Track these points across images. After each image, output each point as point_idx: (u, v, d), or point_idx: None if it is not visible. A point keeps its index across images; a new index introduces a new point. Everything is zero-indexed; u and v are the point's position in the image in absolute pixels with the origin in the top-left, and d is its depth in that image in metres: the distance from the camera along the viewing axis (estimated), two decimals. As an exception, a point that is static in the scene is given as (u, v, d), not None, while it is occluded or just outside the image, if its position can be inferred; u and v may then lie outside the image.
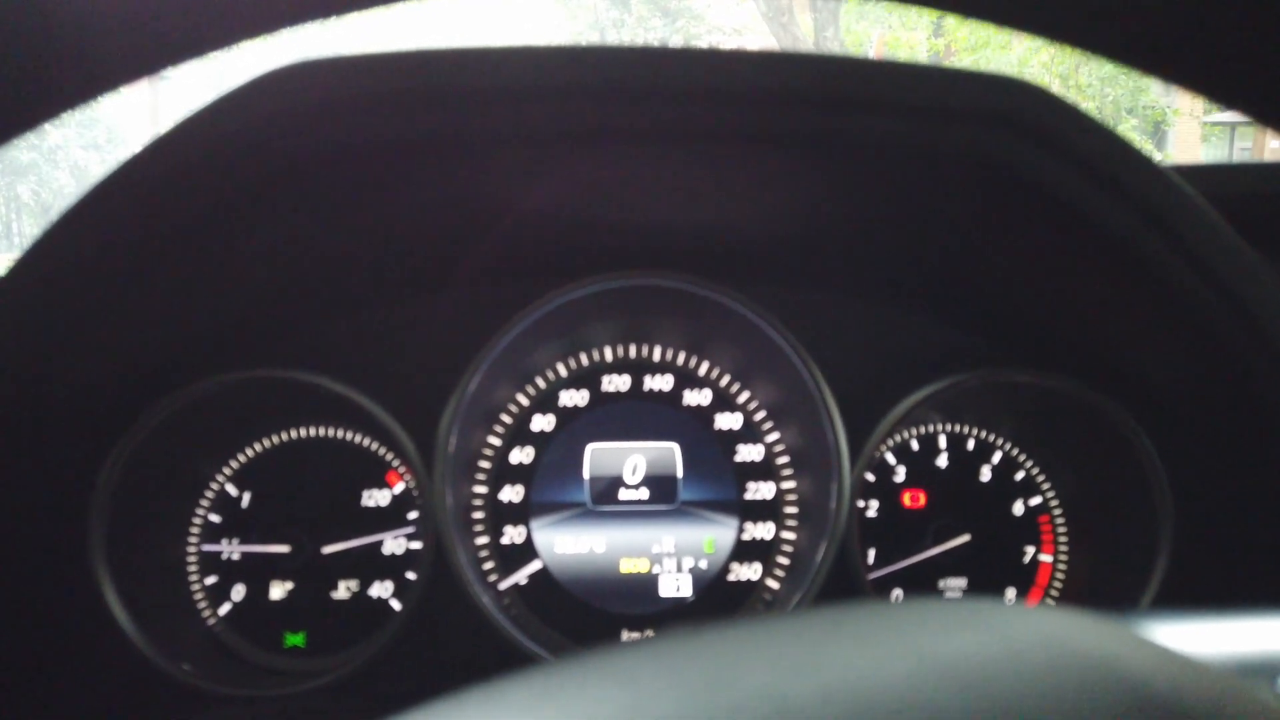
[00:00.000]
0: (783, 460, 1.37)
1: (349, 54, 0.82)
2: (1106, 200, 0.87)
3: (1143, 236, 0.89)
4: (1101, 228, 0.87)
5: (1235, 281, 0.89)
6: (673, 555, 1.36)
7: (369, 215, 1.03)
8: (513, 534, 1.35)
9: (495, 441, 1.35)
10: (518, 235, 1.13)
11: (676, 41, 19.03)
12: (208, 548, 1.30)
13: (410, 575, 1.31)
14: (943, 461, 1.37)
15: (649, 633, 1.34)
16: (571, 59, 0.77)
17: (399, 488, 1.33)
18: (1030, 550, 1.36)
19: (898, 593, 1.35)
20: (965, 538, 1.33)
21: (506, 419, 1.35)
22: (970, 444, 1.38)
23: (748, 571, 1.36)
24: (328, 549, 1.30)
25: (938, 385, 1.24)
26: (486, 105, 0.78)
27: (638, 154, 0.91)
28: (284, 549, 1.29)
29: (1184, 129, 15.93)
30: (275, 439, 1.32)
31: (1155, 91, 14.50)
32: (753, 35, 17.92)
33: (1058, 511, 1.36)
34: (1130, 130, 13.52)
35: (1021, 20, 0.50)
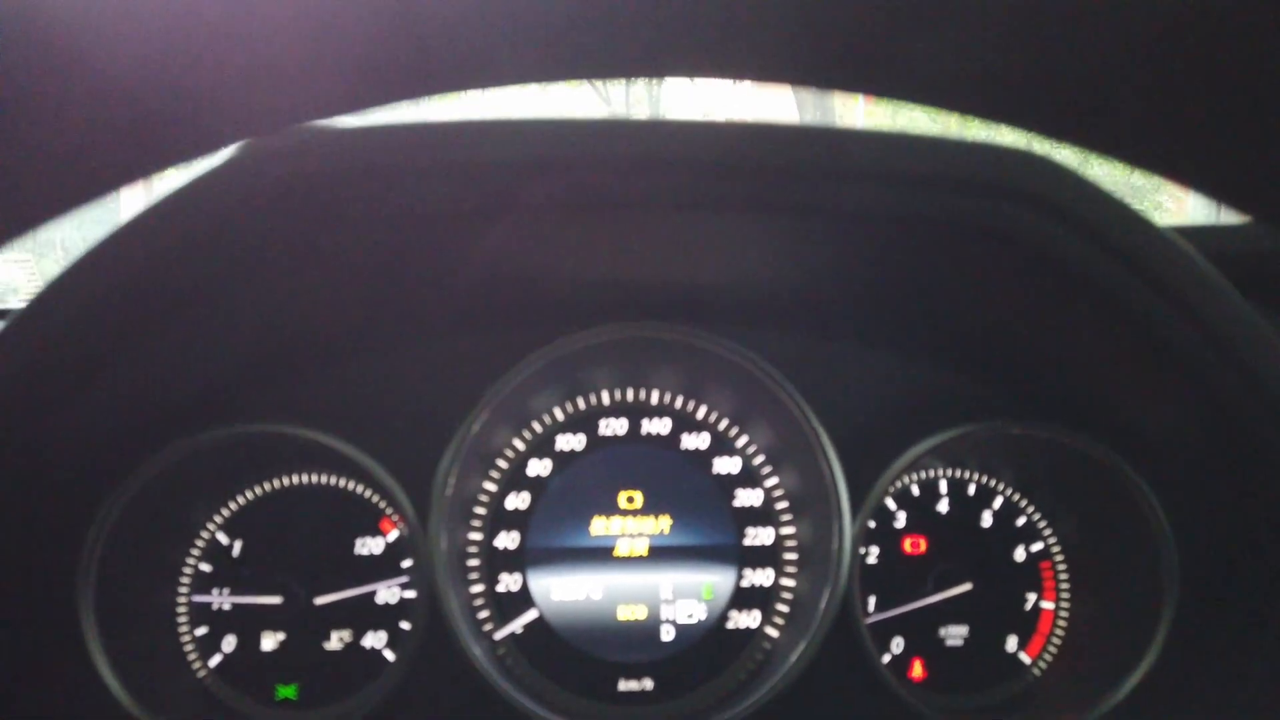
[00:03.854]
0: (782, 505, 1.36)
1: (341, 126, 0.81)
2: (1108, 265, 0.87)
3: (1144, 296, 0.89)
4: (1104, 291, 0.87)
5: (1236, 339, 0.89)
6: (670, 602, 1.34)
7: (364, 276, 1.02)
8: (508, 581, 1.33)
9: (491, 487, 1.33)
10: (515, 287, 1.12)
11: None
12: (198, 598, 1.28)
13: (404, 625, 1.29)
14: (944, 507, 1.36)
15: (646, 681, 1.33)
16: (568, 133, 0.76)
17: (393, 535, 1.31)
18: (1032, 598, 1.35)
19: (898, 640, 1.34)
20: (967, 586, 1.32)
21: (503, 464, 1.34)
22: (971, 489, 1.36)
23: (746, 619, 1.34)
24: (320, 599, 1.28)
25: (944, 436, 1.23)
26: (482, 178, 0.77)
27: (636, 218, 0.91)
28: (275, 599, 1.27)
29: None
30: (267, 486, 1.30)
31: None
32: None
33: (1059, 558, 1.35)
34: (1119, 166, 13.55)
35: (1014, 116, 0.49)
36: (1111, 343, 1.02)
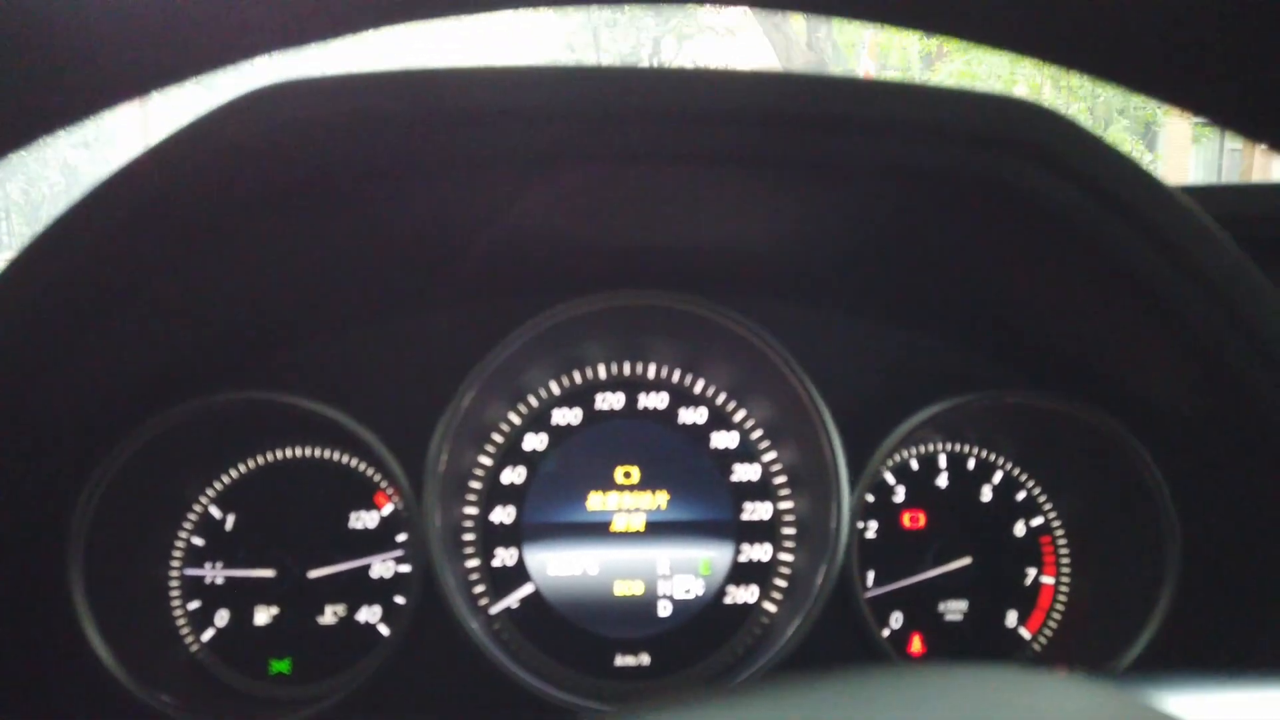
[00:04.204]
0: (780, 480, 1.35)
1: (333, 74, 0.79)
2: (1114, 223, 0.85)
3: (1151, 259, 0.87)
4: (1108, 250, 0.85)
5: (1243, 304, 0.87)
6: (668, 577, 1.33)
7: (354, 234, 1.00)
8: (504, 556, 1.32)
9: (486, 461, 1.32)
10: (508, 253, 1.10)
11: (669, 41, 19.00)
12: (190, 572, 1.27)
13: (399, 599, 1.29)
14: (943, 481, 1.35)
15: (642, 656, 1.32)
16: (563, 80, 0.74)
17: (387, 509, 1.30)
18: (1032, 572, 1.34)
19: (897, 615, 1.33)
20: (966, 560, 1.31)
21: (498, 438, 1.33)
22: (971, 464, 1.35)
23: (744, 594, 1.33)
24: (314, 573, 1.27)
25: (941, 406, 1.21)
26: (475, 126, 0.75)
27: (631, 174, 0.89)
28: (269, 573, 1.26)
29: (1174, 129, 15.96)
30: (260, 460, 1.29)
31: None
32: (745, 35, 17.91)
33: (1060, 532, 1.34)
34: (1121, 130, 13.54)
35: (1008, 40, 0.48)
36: (1113, 307, 1.00)
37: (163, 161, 0.77)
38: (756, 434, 1.35)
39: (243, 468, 1.29)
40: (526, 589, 1.30)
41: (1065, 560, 1.34)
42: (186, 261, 0.91)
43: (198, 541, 1.28)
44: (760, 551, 1.34)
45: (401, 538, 1.29)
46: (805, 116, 0.76)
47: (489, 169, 0.83)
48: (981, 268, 1.09)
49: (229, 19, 0.43)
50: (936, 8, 0.45)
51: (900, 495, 1.34)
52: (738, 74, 0.76)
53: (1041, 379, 1.23)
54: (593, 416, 1.34)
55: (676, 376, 1.35)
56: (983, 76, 13.01)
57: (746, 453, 1.35)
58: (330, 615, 1.27)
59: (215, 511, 1.28)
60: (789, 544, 1.33)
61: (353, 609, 1.28)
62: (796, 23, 14.74)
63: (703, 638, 1.32)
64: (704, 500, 1.34)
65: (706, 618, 1.32)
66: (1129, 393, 1.15)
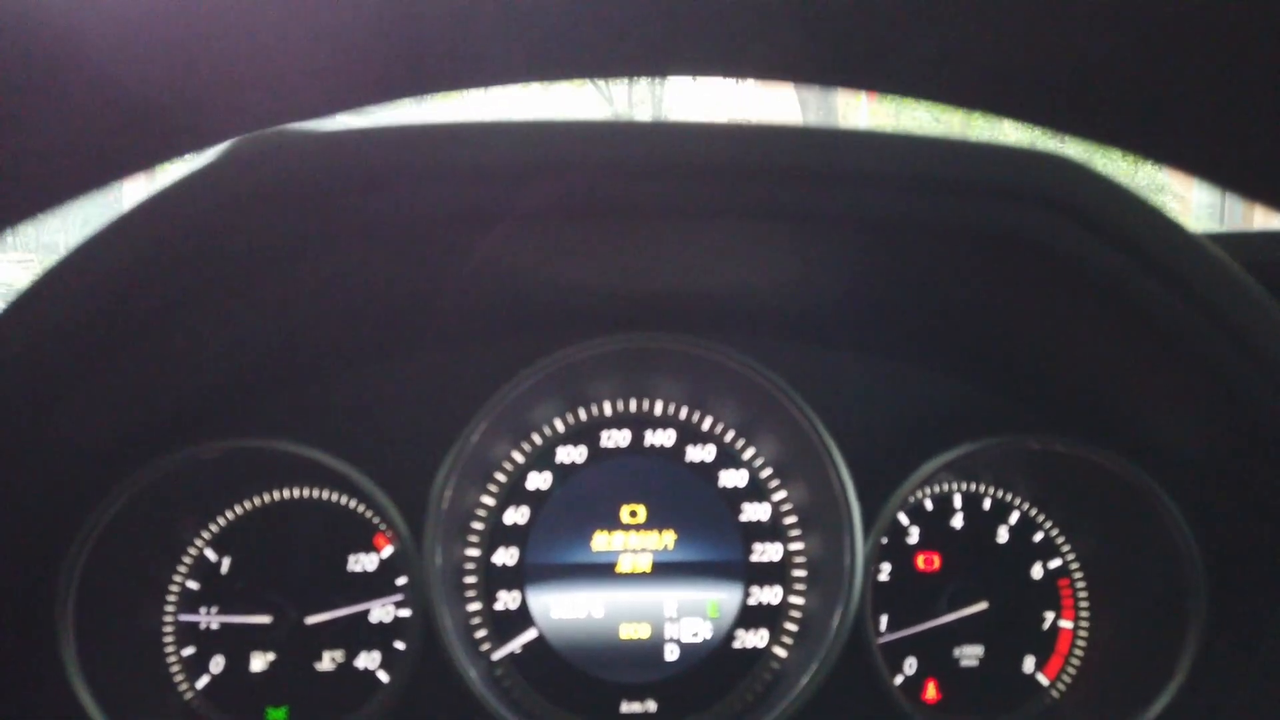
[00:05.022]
0: (790, 520, 1.31)
1: (333, 128, 0.76)
2: (1138, 270, 0.82)
3: (1174, 305, 0.84)
4: (1140, 303, 0.82)
5: (1270, 349, 0.84)
6: (675, 620, 1.30)
7: (356, 285, 0.98)
8: (507, 599, 1.28)
9: (489, 501, 1.29)
10: (512, 296, 1.08)
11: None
12: (185, 617, 1.23)
13: (399, 645, 1.25)
14: (958, 522, 1.31)
15: (649, 702, 1.28)
16: (570, 135, 0.71)
17: (387, 551, 1.27)
18: (1050, 616, 1.30)
19: (910, 661, 1.29)
20: (982, 605, 1.27)
21: (501, 477, 1.30)
22: (986, 504, 1.32)
23: (754, 638, 1.30)
24: (312, 618, 1.23)
25: (961, 450, 1.19)
26: (479, 182, 0.72)
27: (639, 226, 0.86)
28: (265, 619, 1.23)
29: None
30: (257, 501, 1.26)
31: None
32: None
33: (1078, 575, 1.31)
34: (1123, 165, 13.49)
35: (1004, 107, 0.46)
36: (1136, 353, 0.97)
37: (163, 211, 0.75)
38: (766, 472, 1.32)
39: (239, 509, 1.26)
40: (530, 633, 1.27)
41: (1084, 604, 1.30)
42: (182, 307, 0.89)
43: (193, 585, 1.24)
44: (770, 594, 1.30)
45: (402, 581, 1.26)
46: (811, 170, 0.73)
47: (491, 224, 0.80)
48: (997, 314, 1.07)
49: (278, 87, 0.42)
50: (879, 68, 0.43)
51: (914, 536, 1.31)
52: (744, 128, 0.74)
53: (1061, 422, 1.20)
54: (598, 454, 1.31)
55: (684, 413, 1.32)
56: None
57: (756, 491, 1.32)
58: (328, 661, 1.24)
59: (211, 554, 1.25)
60: (800, 586, 1.30)
61: (351, 655, 1.25)
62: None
63: (711, 683, 1.29)
64: (712, 540, 1.31)
65: (715, 662, 1.29)
66: (1152, 438, 1.11)
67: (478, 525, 1.29)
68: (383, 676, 1.25)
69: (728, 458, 1.32)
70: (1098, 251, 0.78)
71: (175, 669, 1.23)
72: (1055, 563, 1.31)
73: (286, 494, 1.26)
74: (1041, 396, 1.21)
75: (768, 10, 0.41)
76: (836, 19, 0.41)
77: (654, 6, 0.40)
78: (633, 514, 1.31)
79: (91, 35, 0.39)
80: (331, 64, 0.42)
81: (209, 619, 1.24)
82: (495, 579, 1.28)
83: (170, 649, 1.23)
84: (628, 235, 0.96)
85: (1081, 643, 1.29)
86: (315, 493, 1.26)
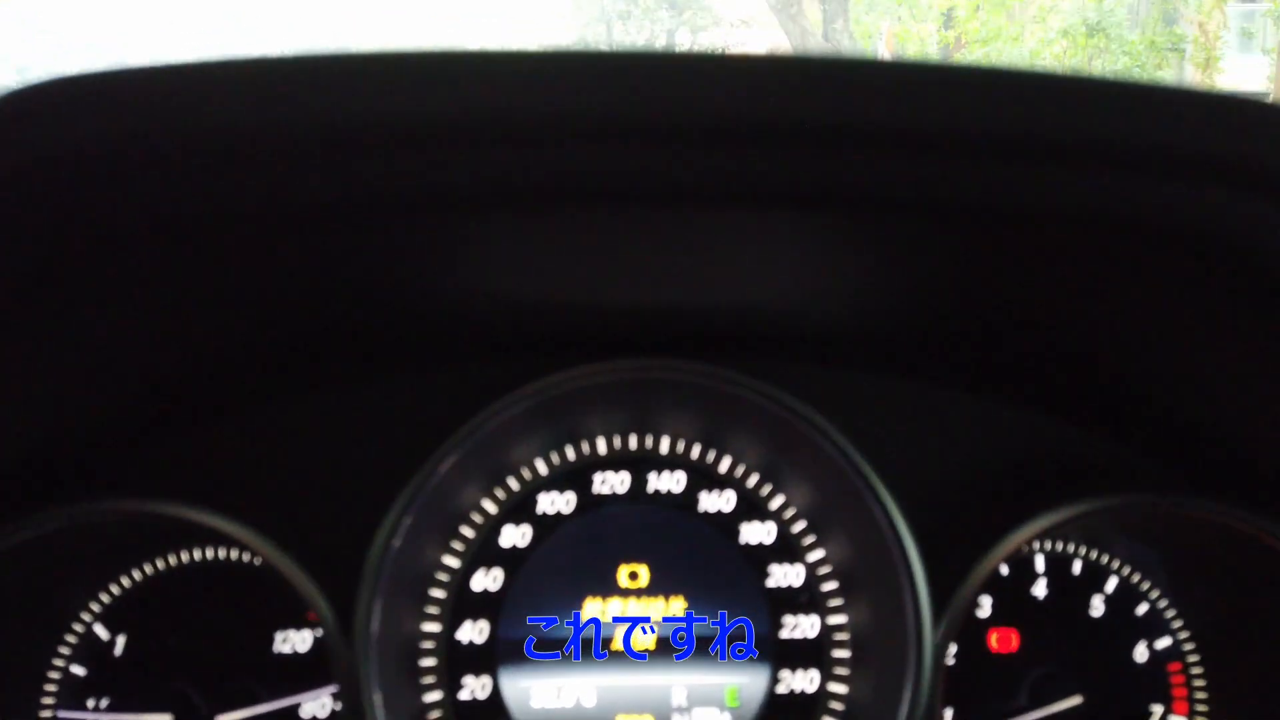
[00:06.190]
0: (830, 586, 1.14)
1: (166, 61, 0.55)
2: None
3: None
4: None
5: None
6: (685, 710, 1.13)
7: (270, 294, 0.82)
8: (474, 686, 1.11)
9: (452, 562, 1.12)
10: (481, 310, 0.93)
11: (683, 33, 19.08)
12: (66, 714, 1.06)
13: (337, 747, 1.04)
14: (1040, 590, 1.14)
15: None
16: (555, 67, 0.48)
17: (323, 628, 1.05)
18: (1158, 710, 1.13)
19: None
20: (1076, 700, 1.09)
21: (468, 532, 1.13)
22: (1076, 567, 1.15)
23: (784, 736, 1.12)
24: (225, 717, 1.05)
25: (1069, 512, 0.99)
26: (437, 146, 0.53)
27: (642, 216, 0.68)
28: (166, 718, 1.05)
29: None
30: (160, 565, 1.09)
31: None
32: (760, 28, 17.96)
33: (1193, 659, 1.15)
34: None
35: None
36: None
37: None
38: (798, 526, 1.15)
39: (137, 575, 1.09)
40: (502, 732, 1.11)
41: (1201, 696, 1.12)
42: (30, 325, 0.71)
43: (78, 671, 1.08)
44: (804, 680, 1.13)
45: (343, 665, 1.05)
46: (915, 124, 0.49)
47: (450, 207, 0.62)
48: (1107, 328, 0.88)
49: None
50: None
51: (986, 608, 1.13)
52: (779, 58, 0.51)
53: (1185, 472, 1.02)
54: (589, 502, 1.17)
55: (695, 452, 1.17)
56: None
57: (785, 549, 1.16)
58: (247, 769, 1.04)
59: (101, 632, 1.09)
60: (842, 671, 1.12)
61: (276, 763, 1.05)
62: (812, 13, 14.75)
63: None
64: (731, 610, 1.16)
65: (735, 766, 1.13)
66: None
67: (438, 593, 1.12)
68: (316, 789, 1.03)
69: (750, 507, 1.17)
70: None
71: (53, 782, 1.03)
72: (1164, 642, 1.14)
73: (194, 556, 1.09)
74: (1164, 440, 1.03)
75: None
76: None
77: None
78: (633, 576, 1.16)
79: None
80: None
81: (98, 716, 1.06)
82: (460, 660, 1.12)
83: (46, 755, 1.03)
84: (627, 234, 0.78)
85: (1198, 745, 1.11)
86: (230, 554, 1.09)
